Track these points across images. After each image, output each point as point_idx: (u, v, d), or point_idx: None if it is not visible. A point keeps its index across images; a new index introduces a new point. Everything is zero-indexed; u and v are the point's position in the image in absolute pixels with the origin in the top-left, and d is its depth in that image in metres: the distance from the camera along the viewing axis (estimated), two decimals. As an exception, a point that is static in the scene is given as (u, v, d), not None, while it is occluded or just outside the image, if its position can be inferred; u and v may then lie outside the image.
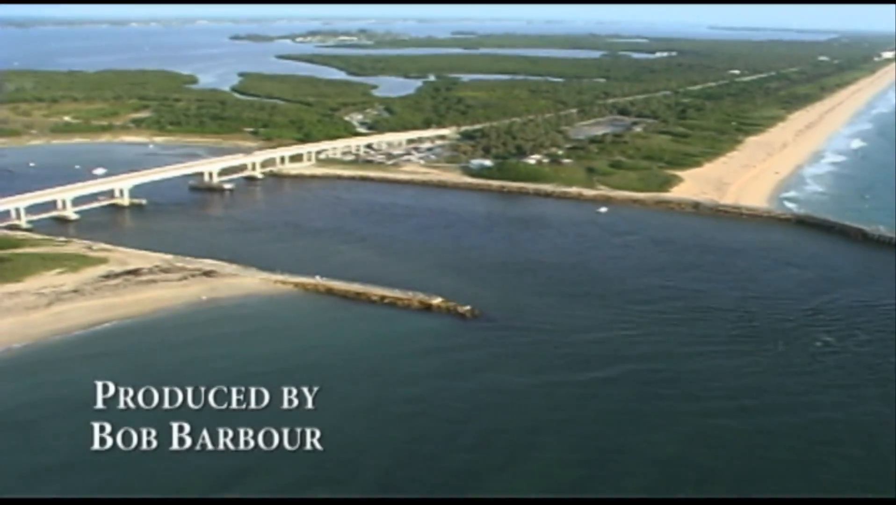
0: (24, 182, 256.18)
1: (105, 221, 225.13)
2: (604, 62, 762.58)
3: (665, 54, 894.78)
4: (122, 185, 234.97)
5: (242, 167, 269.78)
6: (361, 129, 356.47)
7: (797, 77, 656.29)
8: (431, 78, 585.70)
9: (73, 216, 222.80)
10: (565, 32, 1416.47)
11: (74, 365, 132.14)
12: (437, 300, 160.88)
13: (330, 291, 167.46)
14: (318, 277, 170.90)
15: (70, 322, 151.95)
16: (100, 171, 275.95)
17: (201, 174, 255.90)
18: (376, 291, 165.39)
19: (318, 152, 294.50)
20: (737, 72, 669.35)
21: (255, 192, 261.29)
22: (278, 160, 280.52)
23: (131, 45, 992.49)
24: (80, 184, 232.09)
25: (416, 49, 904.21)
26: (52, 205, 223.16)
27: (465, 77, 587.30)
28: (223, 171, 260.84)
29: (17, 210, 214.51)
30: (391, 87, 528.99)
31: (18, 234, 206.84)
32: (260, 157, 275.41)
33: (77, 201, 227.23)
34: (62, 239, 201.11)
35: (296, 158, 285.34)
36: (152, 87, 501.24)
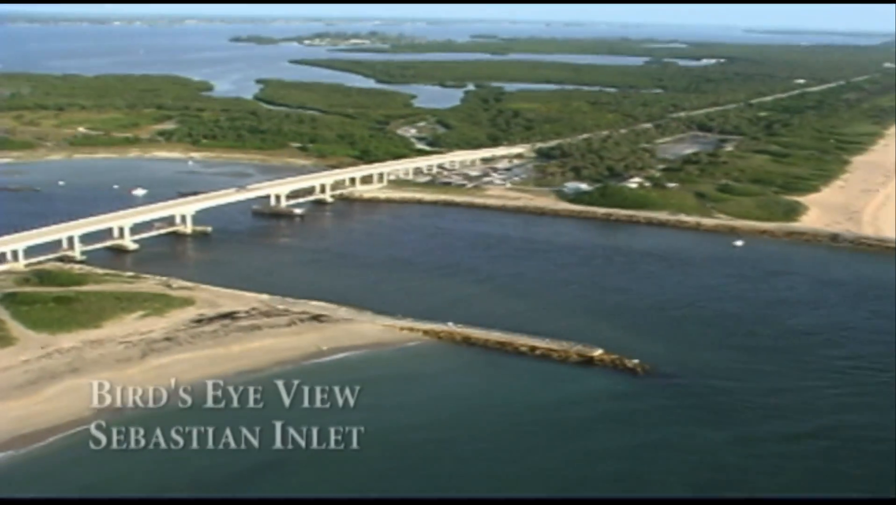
0: (62, 204, 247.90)
1: (168, 252, 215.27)
2: (652, 70, 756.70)
3: (713, 61, 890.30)
4: (185, 211, 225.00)
5: (309, 190, 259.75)
6: (421, 146, 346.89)
7: (871, 87, 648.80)
8: (471, 87, 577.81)
9: (132, 246, 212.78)
10: (592, 36, 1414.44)
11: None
12: (597, 352, 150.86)
13: (468, 341, 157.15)
14: (450, 324, 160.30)
15: (175, 379, 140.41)
16: (140, 191, 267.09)
17: (267, 197, 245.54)
18: (524, 340, 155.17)
19: (389, 173, 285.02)
20: (801, 81, 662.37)
21: (329, 219, 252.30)
22: (347, 182, 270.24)
23: (122, 46, 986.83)
24: (137, 209, 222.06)
25: (440, 54, 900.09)
26: (106, 233, 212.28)
27: (507, 86, 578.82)
28: (290, 195, 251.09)
29: (71, 239, 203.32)
30: (431, 96, 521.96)
31: (75, 267, 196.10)
32: (330, 178, 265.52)
33: (134, 229, 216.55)
34: (130, 274, 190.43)
35: (365, 180, 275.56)
36: (165, 94, 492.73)
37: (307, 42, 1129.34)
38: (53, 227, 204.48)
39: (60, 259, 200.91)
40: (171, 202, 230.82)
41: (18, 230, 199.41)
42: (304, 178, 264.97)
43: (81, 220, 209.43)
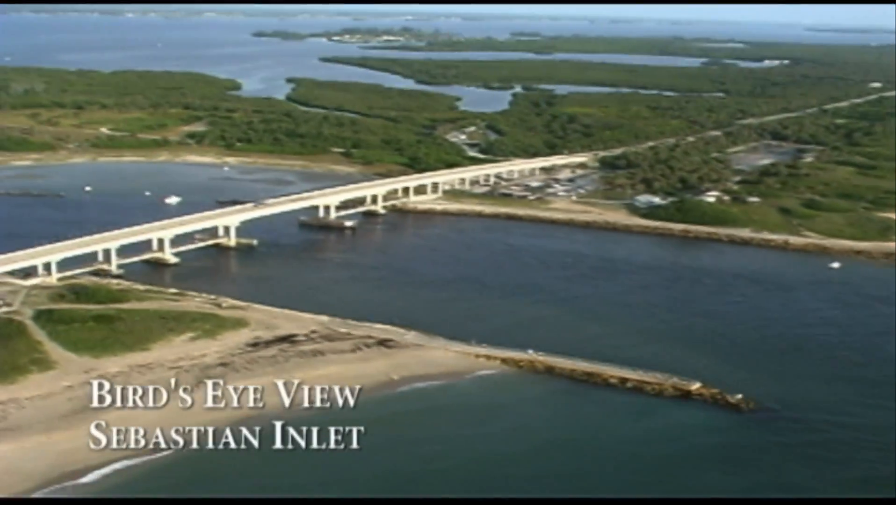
0: (91, 212, 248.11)
1: (211, 267, 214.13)
2: (712, 72, 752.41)
3: (776, 63, 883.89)
4: (229, 222, 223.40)
5: (360, 200, 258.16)
6: (474, 154, 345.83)
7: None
8: (518, 89, 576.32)
9: (173, 259, 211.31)
10: (641, 35, 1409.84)
11: (272, 468, 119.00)
12: (695, 385, 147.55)
13: (551, 370, 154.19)
14: (531, 351, 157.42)
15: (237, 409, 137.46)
16: (173, 199, 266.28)
17: (315, 208, 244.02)
18: (613, 370, 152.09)
19: (444, 183, 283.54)
20: (877, 84, 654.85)
21: (383, 232, 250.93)
22: (400, 191, 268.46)
23: (137, 40, 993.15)
24: (177, 220, 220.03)
25: (480, 53, 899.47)
26: (144, 245, 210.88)
27: (557, 88, 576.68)
28: (340, 205, 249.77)
29: (107, 252, 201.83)
30: (476, 99, 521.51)
31: (113, 282, 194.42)
32: (382, 188, 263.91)
33: (174, 241, 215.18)
34: (173, 291, 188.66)
35: (418, 190, 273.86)
36: (190, 93, 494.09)
37: (336, 38, 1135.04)
38: (87, 238, 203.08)
39: (95, 273, 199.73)
40: (212, 212, 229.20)
41: (46, 241, 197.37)
42: (355, 188, 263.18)
43: (117, 231, 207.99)
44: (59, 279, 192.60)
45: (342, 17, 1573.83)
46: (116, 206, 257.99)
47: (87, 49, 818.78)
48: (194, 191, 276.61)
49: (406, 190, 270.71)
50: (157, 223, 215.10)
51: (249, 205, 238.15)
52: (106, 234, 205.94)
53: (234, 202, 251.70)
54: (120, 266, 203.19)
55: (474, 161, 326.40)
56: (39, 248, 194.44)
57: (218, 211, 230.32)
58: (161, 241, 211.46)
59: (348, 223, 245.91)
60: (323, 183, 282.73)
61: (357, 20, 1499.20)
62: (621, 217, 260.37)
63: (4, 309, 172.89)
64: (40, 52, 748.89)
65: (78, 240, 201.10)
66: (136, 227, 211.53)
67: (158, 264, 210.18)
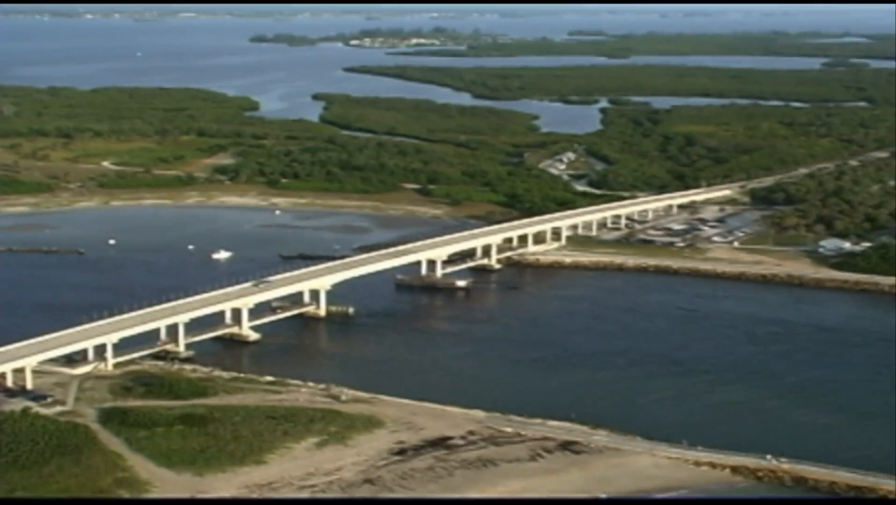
0: (125, 274, 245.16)
1: (302, 344, 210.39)
2: (842, 76, 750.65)
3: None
4: (318, 286, 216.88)
5: (468, 253, 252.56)
6: (582, 187, 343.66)
7: None
8: (605, 103, 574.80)
9: (253, 336, 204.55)
10: (730, 31, 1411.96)
11: None
12: None
13: (802, 482, 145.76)
14: (769, 457, 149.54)
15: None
16: (222, 255, 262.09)
17: (416, 264, 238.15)
18: (893, 485, 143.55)
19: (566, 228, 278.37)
20: None
21: (503, 293, 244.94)
22: (516, 240, 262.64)
23: (109, 48, 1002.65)
24: (252, 285, 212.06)
25: (539, 58, 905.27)
26: (215, 318, 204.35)
27: (653, 101, 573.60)
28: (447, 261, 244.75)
29: (173, 328, 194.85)
30: (556, 117, 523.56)
31: (186, 368, 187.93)
32: (496, 236, 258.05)
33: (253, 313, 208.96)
34: (269, 379, 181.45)
35: (536, 238, 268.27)
36: (200, 115, 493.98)
37: (355, 42, 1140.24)
38: (146, 311, 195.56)
39: (158, 356, 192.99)
40: (296, 273, 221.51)
41: (87, 314, 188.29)
42: (462, 237, 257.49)
43: (181, 302, 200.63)
44: (116, 365, 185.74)
45: (351, 15, 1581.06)
46: (154, 264, 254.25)
47: (51, 61, 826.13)
48: (245, 243, 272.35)
49: (523, 238, 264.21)
50: (229, 290, 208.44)
51: (338, 262, 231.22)
52: (166, 305, 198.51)
53: (302, 257, 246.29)
54: (188, 346, 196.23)
55: (587, 197, 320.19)
56: (87, 327, 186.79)
57: (303, 271, 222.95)
58: (237, 313, 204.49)
59: (459, 282, 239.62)
60: (407, 230, 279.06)
61: (371, 19, 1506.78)
62: (806, 268, 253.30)
63: (59, 409, 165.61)
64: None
65: (135, 314, 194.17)
66: (203, 296, 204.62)
67: (234, 342, 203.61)
